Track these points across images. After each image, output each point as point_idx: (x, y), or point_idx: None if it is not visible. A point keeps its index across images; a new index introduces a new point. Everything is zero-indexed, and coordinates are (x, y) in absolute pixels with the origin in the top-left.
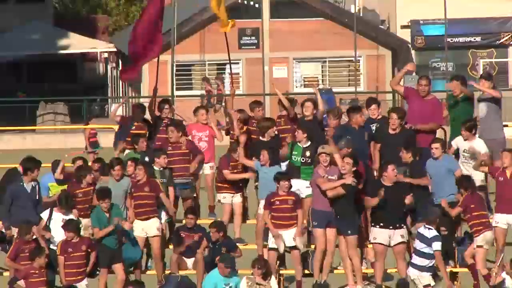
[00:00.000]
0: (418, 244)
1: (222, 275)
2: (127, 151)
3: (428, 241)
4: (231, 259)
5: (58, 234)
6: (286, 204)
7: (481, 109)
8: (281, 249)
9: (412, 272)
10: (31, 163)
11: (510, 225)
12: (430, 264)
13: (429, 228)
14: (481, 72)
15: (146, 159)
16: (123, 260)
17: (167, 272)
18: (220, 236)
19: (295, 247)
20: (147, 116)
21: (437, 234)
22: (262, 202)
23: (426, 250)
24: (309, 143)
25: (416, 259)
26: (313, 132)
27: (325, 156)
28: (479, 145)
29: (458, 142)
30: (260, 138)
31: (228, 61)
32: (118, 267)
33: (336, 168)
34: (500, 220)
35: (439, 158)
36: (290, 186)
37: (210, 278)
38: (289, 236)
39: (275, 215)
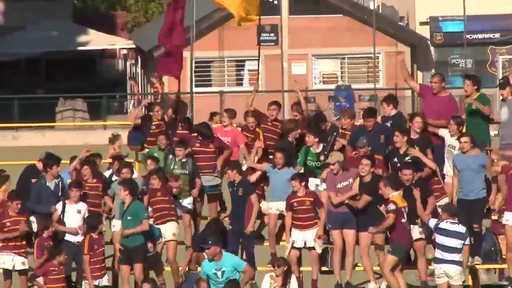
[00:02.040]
0: (445, 240)
1: (209, 260)
2: (146, 150)
3: (457, 235)
4: (214, 240)
5: (72, 225)
6: (304, 205)
7: (503, 113)
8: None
9: (442, 267)
10: (50, 160)
11: None
12: (459, 258)
13: (455, 223)
14: (500, 68)
15: (170, 157)
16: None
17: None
18: (235, 174)
19: (314, 248)
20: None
21: (467, 229)
22: (272, 204)
23: (454, 244)
24: (321, 146)
25: (445, 255)
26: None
27: (331, 166)
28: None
29: (445, 135)
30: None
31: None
32: (137, 267)
33: (347, 173)
34: (510, 218)
35: (468, 153)
36: (306, 186)
37: (202, 268)
38: (310, 237)
39: (295, 216)
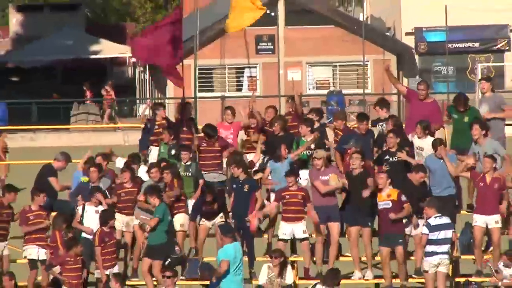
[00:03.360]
0: (432, 234)
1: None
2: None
3: (447, 227)
4: (228, 227)
5: (92, 225)
6: (295, 199)
7: (482, 108)
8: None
9: (433, 260)
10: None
11: (487, 224)
12: (447, 248)
13: (440, 216)
14: (479, 76)
15: (173, 152)
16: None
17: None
18: (240, 172)
19: (304, 239)
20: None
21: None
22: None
23: (444, 235)
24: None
25: (437, 247)
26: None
27: (316, 161)
28: (428, 143)
29: (414, 139)
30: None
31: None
32: (155, 264)
33: (330, 169)
34: (479, 220)
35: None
36: (296, 182)
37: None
38: (298, 229)
39: (285, 209)
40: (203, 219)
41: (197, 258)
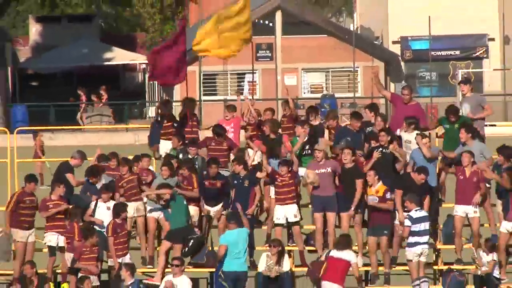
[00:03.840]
0: (414, 226)
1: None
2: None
3: (426, 219)
4: (232, 214)
5: (104, 219)
6: (285, 182)
7: (464, 108)
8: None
9: (416, 250)
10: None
11: (467, 214)
12: (427, 239)
13: (420, 210)
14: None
15: (181, 156)
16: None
17: None
18: (241, 168)
19: (295, 223)
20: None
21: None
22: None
23: (425, 227)
24: (307, 137)
25: (420, 238)
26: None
27: (317, 153)
28: (414, 137)
29: (402, 134)
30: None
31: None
32: (176, 247)
33: (329, 161)
34: (459, 209)
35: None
36: (290, 170)
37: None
38: (290, 212)
39: (277, 191)
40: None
41: (205, 246)
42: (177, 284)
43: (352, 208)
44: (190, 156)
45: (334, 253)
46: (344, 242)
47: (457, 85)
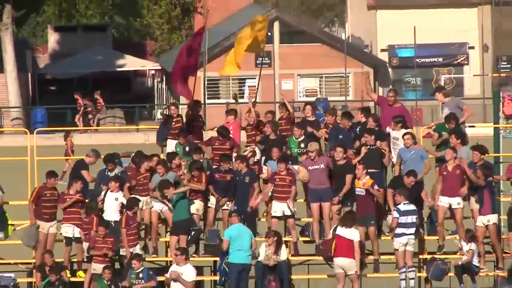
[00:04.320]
0: (401, 218)
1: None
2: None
3: (413, 213)
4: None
5: (110, 209)
6: (284, 181)
7: (444, 113)
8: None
9: (402, 240)
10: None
11: (450, 205)
12: (413, 231)
13: (408, 203)
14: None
15: (187, 148)
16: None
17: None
18: (243, 166)
19: (290, 216)
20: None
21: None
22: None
23: (412, 220)
24: (303, 137)
25: (406, 229)
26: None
27: (310, 153)
28: (400, 134)
29: (390, 131)
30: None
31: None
32: (181, 238)
33: (322, 158)
34: (443, 200)
35: (411, 147)
36: (287, 168)
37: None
38: (287, 207)
39: (275, 189)
40: (211, 203)
41: (217, 229)
42: (182, 272)
43: (339, 197)
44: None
45: (341, 231)
46: (350, 218)
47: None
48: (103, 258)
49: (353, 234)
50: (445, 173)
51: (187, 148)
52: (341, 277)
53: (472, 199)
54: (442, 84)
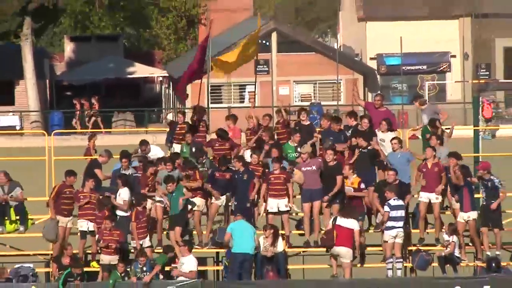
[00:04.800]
0: (392, 212)
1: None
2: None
3: (402, 207)
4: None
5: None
6: (279, 180)
7: (423, 119)
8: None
9: (392, 232)
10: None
11: (430, 200)
12: (402, 224)
13: (397, 199)
14: (426, 91)
15: (193, 149)
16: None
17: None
18: (240, 165)
19: (285, 212)
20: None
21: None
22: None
23: (401, 214)
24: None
25: (395, 223)
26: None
27: (302, 155)
28: (388, 137)
29: (378, 133)
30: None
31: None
32: (176, 230)
33: (314, 160)
34: (423, 196)
35: (397, 151)
36: (282, 167)
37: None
38: (281, 203)
39: (271, 187)
40: (214, 199)
41: (224, 227)
42: (183, 262)
43: (328, 197)
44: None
45: (341, 221)
46: (349, 210)
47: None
48: (110, 249)
49: (352, 223)
50: (424, 169)
51: (193, 149)
52: (336, 265)
53: (453, 200)
54: (426, 89)
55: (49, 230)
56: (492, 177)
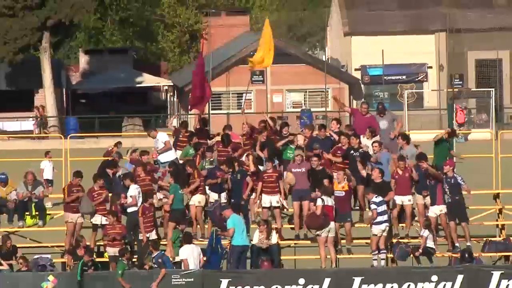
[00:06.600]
0: (378, 208)
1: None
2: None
3: (384, 203)
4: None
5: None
6: (271, 178)
7: (382, 124)
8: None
9: (382, 227)
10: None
11: (403, 202)
12: (387, 217)
13: (377, 196)
14: (406, 99)
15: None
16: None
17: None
18: (235, 165)
19: (277, 207)
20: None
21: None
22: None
23: (381, 209)
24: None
25: (383, 217)
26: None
27: (296, 157)
28: (370, 142)
29: (362, 139)
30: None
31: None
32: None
33: (305, 163)
34: (397, 199)
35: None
36: (274, 166)
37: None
38: (275, 200)
39: (264, 185)
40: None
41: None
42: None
43: (315, 193)
44: (207, 159)
45: (328, 201)
46: (329, 188)
47: (404, 104)
48: (114, 242)
49: (331, 201)
50: (397, 177)
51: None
52: (322, 242)
53: (419, 196)
54: (405, 97)
55: (83, 206)
56: (455, 174)
